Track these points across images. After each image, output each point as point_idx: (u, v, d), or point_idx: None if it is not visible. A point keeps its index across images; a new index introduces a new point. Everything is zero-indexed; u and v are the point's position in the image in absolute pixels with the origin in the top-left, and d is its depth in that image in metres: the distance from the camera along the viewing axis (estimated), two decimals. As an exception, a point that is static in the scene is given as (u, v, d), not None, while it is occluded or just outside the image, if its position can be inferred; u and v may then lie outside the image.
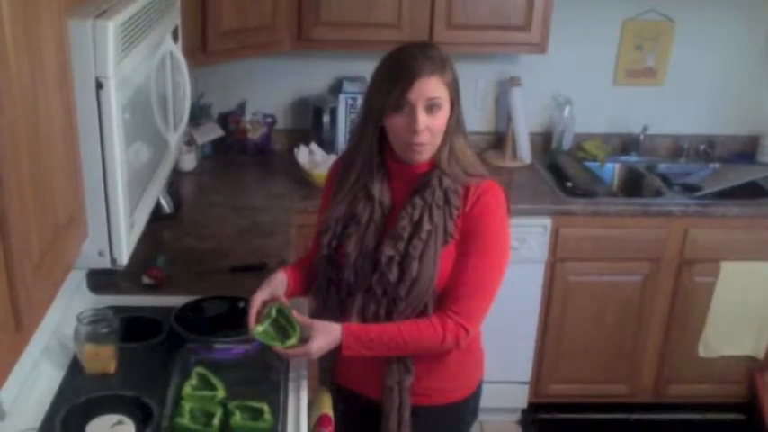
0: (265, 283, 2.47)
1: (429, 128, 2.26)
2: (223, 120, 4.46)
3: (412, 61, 2.25)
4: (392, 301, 2.37)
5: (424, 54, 2.26)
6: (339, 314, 2.45)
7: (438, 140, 2.31)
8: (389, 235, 2.35)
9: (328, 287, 2.49)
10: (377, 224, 2.39)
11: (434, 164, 2.35)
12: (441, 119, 2.28)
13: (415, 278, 2.31)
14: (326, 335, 2.30)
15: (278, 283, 2.47)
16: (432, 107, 2.25)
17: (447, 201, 2.32)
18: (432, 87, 2.24)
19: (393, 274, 2.33)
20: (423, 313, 2.35)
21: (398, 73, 2.26)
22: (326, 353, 2.44)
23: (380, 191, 2.40)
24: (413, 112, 2.24)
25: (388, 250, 2.33)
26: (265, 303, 2.41)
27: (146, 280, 2.98)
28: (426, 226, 2.31)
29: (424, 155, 2.33)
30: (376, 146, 2.38)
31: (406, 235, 2.32)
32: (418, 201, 2.33)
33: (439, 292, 2.35)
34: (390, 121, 2.29)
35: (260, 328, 2.33)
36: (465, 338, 2.35)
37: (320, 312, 2.51)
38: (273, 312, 2.36)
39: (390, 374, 2.42)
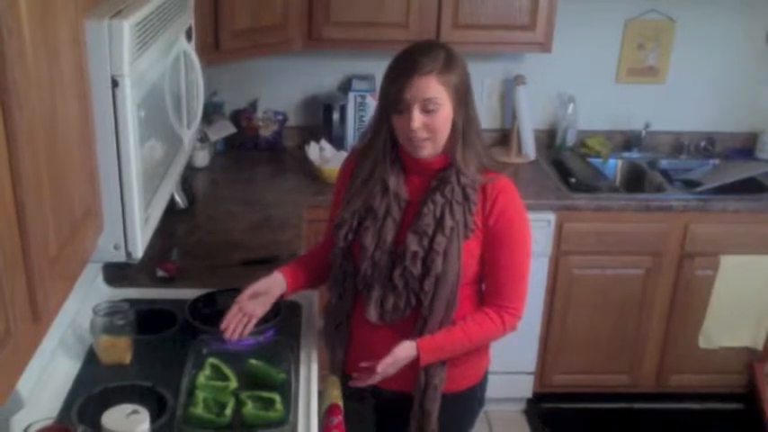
0: (262, 280, 2.53)
1: (427, 126, 2.27)
2: (235, 117, 4.49)
3: (410, 61, 2.27)
4: (414, 295, 2.40)
5: (424, 54, 2.27)
6: (355, 305, 2.50)
7: (441, 137, 2.32)
8: (413, 230, 2.37)
9: (344, 279, 2.51)
10: (394, 217, 2.41)
11: (450, 161, 2.37)
12: (440, 118, 2.28)
13: (440, 273, 2.35)
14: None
15: (272, 284, 2.53)
16: (428, 106, 2.26)
17: (466, 197, 2.35)
18: (425, 87, 2.24)
19: (417, 269, 2.36)
20: (451, 306, 2.41)
21: (398, 72, 2.29)
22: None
23: (397, 184, 2.41)
24: (409, 112, 2.26)
25: (412, 246, 2.36)
26: (256, 295, 2.49)
27: (160, 273, 3.01)
28: (449, 222, 2.34)
29: (427, 150, 2.33)
30: (390, 141, 2.39)
31: (430, 231, 2.35)
32: (438, 197, 2.35)
33: (464, 284, 2.42)
34: (394, 121, 2.33)
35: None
36: (518, 322, 2.51)
37: (336, 304, 2.56)
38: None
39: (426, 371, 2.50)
